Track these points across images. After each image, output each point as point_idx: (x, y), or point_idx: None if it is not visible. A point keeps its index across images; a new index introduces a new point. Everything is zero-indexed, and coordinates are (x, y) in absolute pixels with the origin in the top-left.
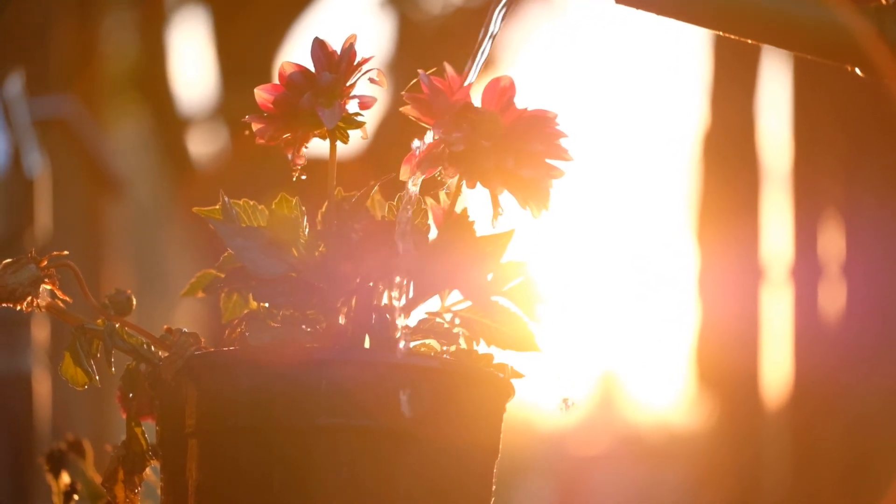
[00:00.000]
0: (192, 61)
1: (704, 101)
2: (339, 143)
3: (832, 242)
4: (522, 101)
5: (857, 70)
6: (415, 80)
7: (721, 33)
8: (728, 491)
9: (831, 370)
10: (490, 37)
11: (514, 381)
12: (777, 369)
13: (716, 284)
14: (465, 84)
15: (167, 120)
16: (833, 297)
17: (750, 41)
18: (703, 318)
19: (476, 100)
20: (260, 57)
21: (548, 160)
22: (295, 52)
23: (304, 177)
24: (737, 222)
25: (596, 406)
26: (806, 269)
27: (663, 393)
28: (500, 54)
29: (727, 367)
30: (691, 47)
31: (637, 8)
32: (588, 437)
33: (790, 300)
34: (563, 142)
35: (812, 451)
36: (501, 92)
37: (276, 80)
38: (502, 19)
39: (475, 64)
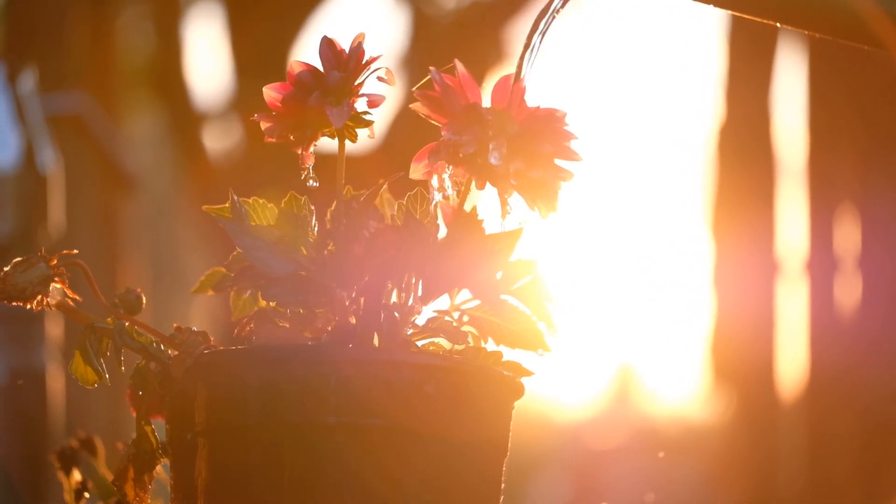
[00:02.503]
0: (206, 56)
1: (720, 95)
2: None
3: (848, 236)
4: (533, 99)
5: None
6: (427, 78)
7: (762, 20)
8: (744, 484)
9: (847, 364)
10: (541, 33)
11: (526, 377)
12: (792, 363)
13: (731, 278)
14: (519, 81)
15: (182, 115)
16: (849, 291)
17: (791, 28)
18: (718, 312)
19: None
20: (275, 51)
21: (557, 161)
22: (310, 46)
23: (310, 176)
24: (752, 216)
25: (612, 400)
26: (821, 263)
27: (679, 386)
28: (513, 49)
29: (743, 361)
30: (706, 41)
31: None
32: (604, 431)
33: (806, 294)
34: (572, 143)
35: (827, 444)
36: (512, 91)
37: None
38: (556, 15)
39: (528, 59)
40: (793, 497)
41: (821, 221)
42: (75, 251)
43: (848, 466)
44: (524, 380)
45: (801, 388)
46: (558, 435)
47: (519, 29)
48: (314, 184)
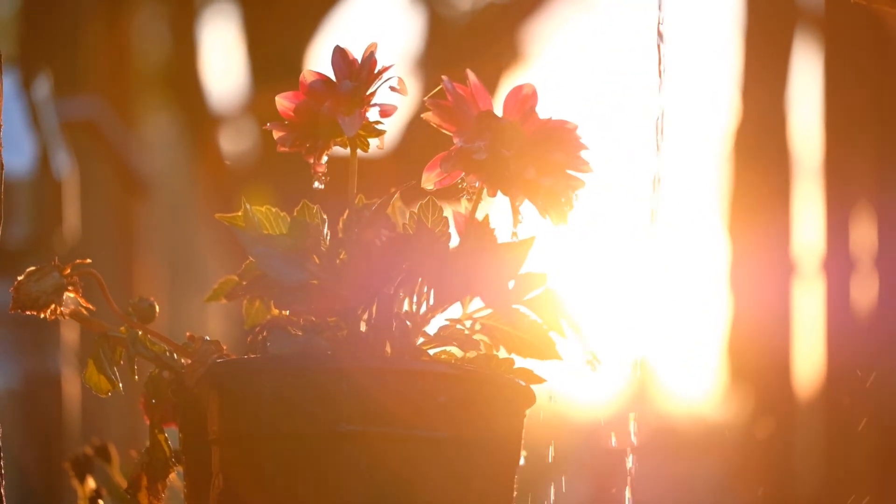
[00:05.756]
0: (221, 59)
1: (736, 93)
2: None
3: (864, 234)
4: (545, 110)
5: None
6: (438, 88)
7: None
8: (762, 482)
9: (863, 362)
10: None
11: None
12: (809, 361)
13: (748, 277)
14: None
15: (197, 118)
16: (865, 290)
17: None
18: (735, 311)
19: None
20: (290, 53)
21: (569, 171)
22: (325, 48)
23: (322, 186)
24: (769, 215)
25: (629, 398)
26: (838, 262)
27: (697, 385)
28: (529, 48)
29: (760, 360)
30: (722, 39)
31: None
32: (621, 430)
33: (822, 292)
34: (584, 153)
35: (844, 442)
36: (523, 100)
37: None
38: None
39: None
40: (810, 495)
41: (837, 220)
42: (88, 260)
43: (865, 463)
44: (535, 387)
45: (818, 387)
46: (575, 434)
47: (534, 30)
48: (320, 185)
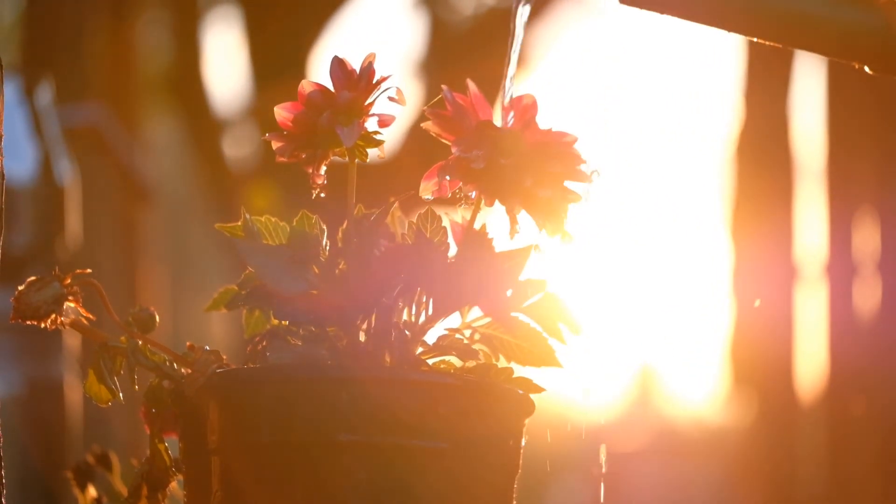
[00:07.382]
0: (225, 64)
1: (739, 99)
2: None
3: (866, 239)
4: (544, 120)
5: (866, 68)
6: (438, 97)
7: (726, 31)
8: (764, 485)
9: (865, 366)
10: (517, 42)
11: (537, 394)
12: (812, 365)
13: (751, 281)
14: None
15: (200, 123)
16: (867, 294)
17: (755, 39)
18: (738, 315)
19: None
20: (293, 57)
21: (566, 182)
22: (328, 52)
23: (322, 195)
24: (771, 219)
25: (632, 402)
26: (840, 266)
27: (699, 389)
28: (531, 54)
29: (763, 364)
30: (725, 45)
31: (641, 8)
32: (624, 434)
33: (825, 297)
34: (582, 166)
35: (847, 446)
36: (523, 110)
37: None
38: (525, 20)
39: (509, 73)
40: (812, 498)
41: (840, 224)
42: (89, 270)
43: (868, 467)
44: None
45: (821, 391)
46: (578, 438)
47: (536, 34)
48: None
